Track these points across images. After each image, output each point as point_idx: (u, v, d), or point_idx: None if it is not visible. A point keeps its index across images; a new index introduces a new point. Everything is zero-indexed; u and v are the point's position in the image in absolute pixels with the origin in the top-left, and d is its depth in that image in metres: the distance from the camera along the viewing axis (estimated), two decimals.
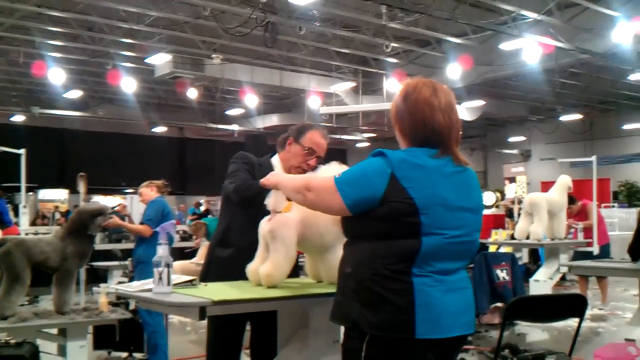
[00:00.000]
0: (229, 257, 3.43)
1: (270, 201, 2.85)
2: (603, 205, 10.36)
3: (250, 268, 2.98)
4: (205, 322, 2.91)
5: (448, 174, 2.34)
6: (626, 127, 24.57)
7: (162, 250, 2.73)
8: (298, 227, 2.88)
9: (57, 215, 20.26)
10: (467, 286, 2.40)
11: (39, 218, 21.79)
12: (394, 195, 2.25)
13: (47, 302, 7.05)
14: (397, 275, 2.24)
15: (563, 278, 11.14)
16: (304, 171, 3.44)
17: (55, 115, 22.66)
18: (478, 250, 8.19)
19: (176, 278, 2.85)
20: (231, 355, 3.61)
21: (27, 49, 16.40)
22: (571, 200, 9.37)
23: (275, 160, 3.61)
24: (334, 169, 2.70)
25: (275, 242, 2.84)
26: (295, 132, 3.57)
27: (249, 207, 3.24)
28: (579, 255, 8.92)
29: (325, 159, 3.40)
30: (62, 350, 4.06)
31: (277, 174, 2.68)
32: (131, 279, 6.19)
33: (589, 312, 8.63)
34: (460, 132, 2.45)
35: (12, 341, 4.33)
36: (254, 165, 3.53)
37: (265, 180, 2.70)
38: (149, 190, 6.33)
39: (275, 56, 17.39)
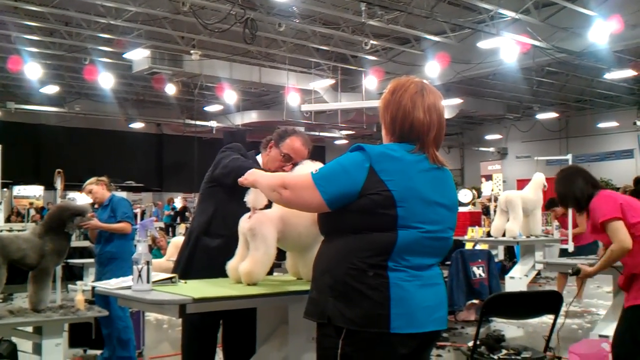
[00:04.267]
0: (218, 247, 3.42)
1: (249, 199, 2.85)
2: None
3: (230, 265, 2.98)
4: (181, 320, 2.89)
5: (424, 170, 2.37)
6: (601, 125, 24.86)
7: (141, 248, 2.72)
8: (278, 225, 2.89)
9: (32, 212, 20.02)
10: (441, 282, 2.43)
11: (13, 214, 21.55)
12: (372, 188, 2.27)
13: (21, 300, 6.99)
14: (374, 269, 2.26)
15: (538, 275, 11.26)
16: None
17: (31, 111, 22.37)
18: (454, 247, 8.20)
19: (155, 275, 2.84)
20: (207, 352, 3.61)
21: (3, 44, 16.18)
22: (555, 202, 9.40)
23: (259, 160, 3.66)
24: (308, 167, 2.70)
25: (256, 240, 2.85)
26: (277, 136, 3.63)
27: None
28: (564, 253, 8.97)
29: None
30: (37, 349, 4.03)
31: (255, 171, 2.67)
32: (99, 276, 6.07)
33: (564, 309, 8.73)
34: (443, 135, 2.48)
35: None
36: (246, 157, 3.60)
37: (243, 179, 2.70)
38: (102, 189, 6.24)
39: (255, 52, 17.34)
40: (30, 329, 4.09)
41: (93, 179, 6.34)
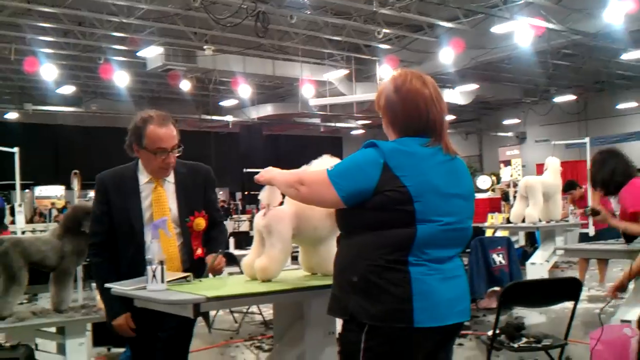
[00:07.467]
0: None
1: (264, 196, 2.86)
2: None
3: (245, 262, 2.99)
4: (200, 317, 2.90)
5: (438, 162, 2.37)
6: (620, 106, 24.58)
7: (155, 247, 2.73)
8: (293, 221, 2.89)
9: (54, 212, 20.24)
10: (462, 274, 2.43)
11: (36, 215, 21.79)
12: (387, 185, 2.28)
13: (45, 300, 7.05)
14: (394, 265, 2.26)
15: None
16: (171, 169, 3.36)
17: (48, 112, 22.57)
18: (475, 234, 8.17)
19: (171, 275, 2.86)
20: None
21: (18, 46, 16.33)
22: (572, 185, 9.30)
23: (140, 165, 3.37)
24: (327, 162, 2.70)
25: (272, 237, 2.85)
26: (133, 138, 3.26)
27: None
28: (585, 238, 8.89)
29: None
30: (61, 349, 4.07)
31: (271, 169, 2.68)
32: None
33: (586, 294, 8.68)
34: (451, 117, 2.49)
35: (7, 344, 4.34)
36: (106, 191, 3.29)
37: (259, 177, 2.70)
38: None
39: (267, 45, 17.33)
40: (53, 329, 4.14)
41: None
